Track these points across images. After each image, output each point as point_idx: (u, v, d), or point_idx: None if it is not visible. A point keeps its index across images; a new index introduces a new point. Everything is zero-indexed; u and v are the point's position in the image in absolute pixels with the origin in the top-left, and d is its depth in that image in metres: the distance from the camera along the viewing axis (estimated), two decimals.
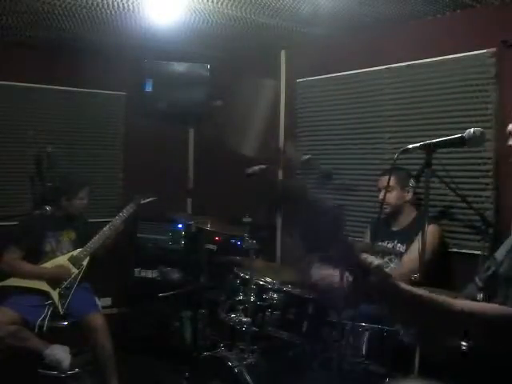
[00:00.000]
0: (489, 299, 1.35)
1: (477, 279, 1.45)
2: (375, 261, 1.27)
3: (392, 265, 3.23)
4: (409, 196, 3.20)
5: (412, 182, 3.19)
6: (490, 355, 1.30)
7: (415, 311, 1.29)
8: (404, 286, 1.25)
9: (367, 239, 3.45)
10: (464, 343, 1.39)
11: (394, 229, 3.27)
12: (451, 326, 1.31)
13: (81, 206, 3.81)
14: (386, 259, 3.27)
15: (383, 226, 3.30)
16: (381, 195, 3.23)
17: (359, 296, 1.62)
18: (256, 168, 3.48)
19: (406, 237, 3.14)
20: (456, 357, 1.40)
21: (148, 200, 4.14)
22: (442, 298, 1.27)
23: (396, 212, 3.24)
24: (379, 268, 1.26)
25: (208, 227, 3.49)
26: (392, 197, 3.17)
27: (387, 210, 3.22)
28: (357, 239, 3.59)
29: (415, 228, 3.04)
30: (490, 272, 1.40)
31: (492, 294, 1.35)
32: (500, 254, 1.41)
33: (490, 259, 1.44)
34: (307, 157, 3.88)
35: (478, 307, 1.26)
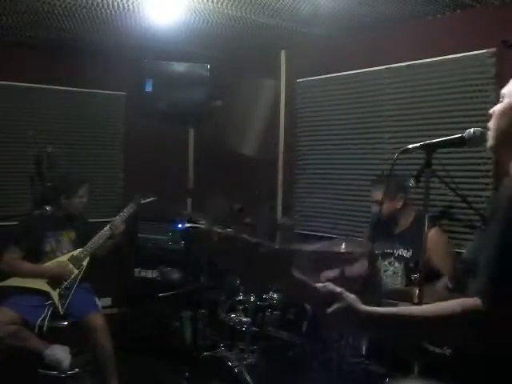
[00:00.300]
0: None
1: (448, 282, 1.46)
2: (336, 288, 1.26)
3: (392, 268, 3.23)
4: (399, 204, 3.18)
5: (412, 182, 3.19)
6: (485, 353, 1.30)
7: (382, 329, 1.29)
8: (363, 308, 1.25)
9: (366, 240, 3.44)
10: (446, 349, 1.40)
11: (394, 231, 3.26)
12: (420, 334, 1.32)
13: (81, 205, 3.80)
14: (386, 262, 3.26)
15: (383, 228, 3.29)
16: (373, 209, 3.23)
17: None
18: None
19: (407, 240, 3.13)
20: (454, 357, 1.40)
21: (148, 200, 4.14)
22: (405, 309, 1.26)
23: (392, 219, 3.23)
24: (341, 294, 1.25)
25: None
26: (383, 209, 3.16)
27: (382, 219, 3.22)
28: (357, 239, 3.59)
29: (416, 230, 3.03)
30: (458, 272, 1.40)
31: (462, 292, 1.35)
32: (467, 253, 1.41)
33: (460, 260, 1.44)
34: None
35: (443, 308, 1.26)
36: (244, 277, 1.24)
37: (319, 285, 1.26)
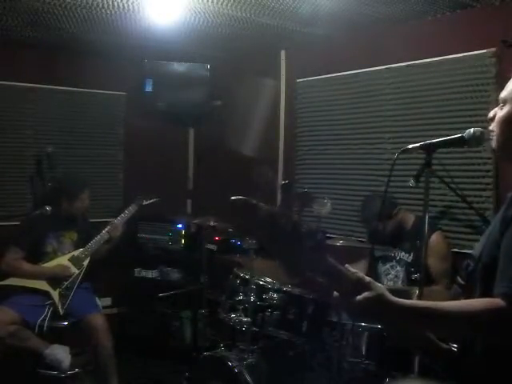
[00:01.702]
0: (470, 295, 1.35)
1: (459, 278, 1.46)
2: (366, 277, 1.26)
3: (393, 272, 3.22)
4: (396, 219, 3.17)
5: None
6: (487, 354, 1.30)
7: (408, 321, 1.29)
8: (393, 299, 1.25)
9: (367, 242, 3.44)
10: (455, 345, 1.40)
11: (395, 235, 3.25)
12: (444, 329, 1.32)
13: (81, 209, 3.80)
14: (387, 266, 3.25)
15: (383, 234, 3.27)
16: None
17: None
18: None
19: (408, 244, 3.12)
20: (454, 357, 1.41)
21: (150, 201, 4.15)
22: (432, 303, 1.27)
23: (390, 231, 3.20)
24: (370, 283, 1.25)
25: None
26: (381, 229, 3.14)
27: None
28: (357, 240, 3.59)
29: (417, 234, 3.00)
30: (470, 269, 1.41)
31: (473, 289, 1.35)
32: (476, 250, 1.42)
33: (469, 257, 1.44)
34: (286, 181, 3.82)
35: (465, 304, 1.26)
36: (281, 256, 1.23)
37: (350, 272, 1.26)
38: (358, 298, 1.23)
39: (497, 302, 1.22)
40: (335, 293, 1.28)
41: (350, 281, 1.25)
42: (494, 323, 1.22)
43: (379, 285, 1.26)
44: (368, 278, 1.26)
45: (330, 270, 1.25)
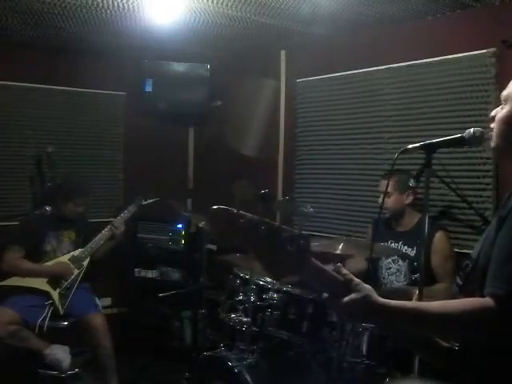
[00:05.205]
0: (469, 295, 1.36)
1: (457, 278, 1.47)
2: (354, 278, 1.27)
3: (395, 266, 3.22)
4: (409, 199, 3.17)
5: (412, 182, 3.18)
6: (486, 353, 1.30)
7: (395, 322, 1.29)
8: (380, 300, 1.25)
9: (369, 238, 3.43)
10: (456, 343, 1.40)
11: (399, 230, 3.25)
12: (431, 329, 1.32)
13: (81, 210, 3.80)
14: (390, 260, 3.25)
15: (386, 226, 3.28)
16: (380, 200, 3.21)
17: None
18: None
19: (413, 240, 3.12)
20: (454, 356, 1.41)
21: (150, 201, 4.15)
22: (420, 304, 1.27)
23: (397, 215, 3.22)
24: (358, 285, 1.26)
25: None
26: (390, 201, 3.14)
27: (387, 215, 3.21)
28: (359, 239, 3.58)
29: (421, 231, 3.01)
30: (468, 269, 1.41)
31: (471, 290, 1.36)
32: (475, 251, 1.42)
33: (468, 258, 1.45)
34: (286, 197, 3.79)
35: (455, 305, 1.27)
36: (265, 262, 1.23)
37: (339, 273, 1.27)
38: (345, 299, 1.23)
39: (486, 301, 1.22)
40: (324, 294, 1.29)
41: (338, 282, 1.25)
42: (483, 323, 1.22)
43: (367, 286, 1.26)
44: (356, 280, 1.27)
45: (316, 273, 1.26)
